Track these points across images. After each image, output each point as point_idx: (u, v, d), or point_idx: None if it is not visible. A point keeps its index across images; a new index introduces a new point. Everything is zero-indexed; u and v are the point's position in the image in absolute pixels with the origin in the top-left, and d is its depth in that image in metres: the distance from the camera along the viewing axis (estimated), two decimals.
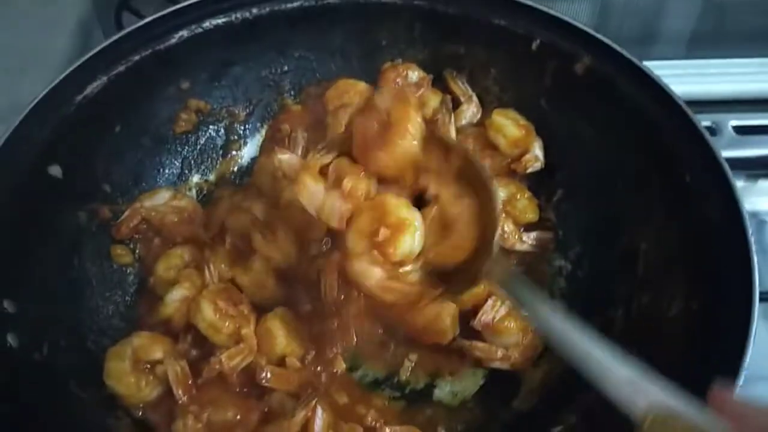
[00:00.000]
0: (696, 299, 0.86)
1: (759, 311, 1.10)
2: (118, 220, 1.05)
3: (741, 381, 0.75)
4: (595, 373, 0.65)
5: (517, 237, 1.08)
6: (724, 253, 0.84)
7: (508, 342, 1.00)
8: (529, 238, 1.09)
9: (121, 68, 1.03)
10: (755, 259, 0.81)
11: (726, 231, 0.85)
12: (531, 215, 1.10)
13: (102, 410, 0.93)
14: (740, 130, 1.33)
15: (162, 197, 1.08)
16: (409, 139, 0.81)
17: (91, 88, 1.00)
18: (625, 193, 1.01)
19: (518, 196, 1.09)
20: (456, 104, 1.15)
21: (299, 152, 1.11)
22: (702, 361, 0.81)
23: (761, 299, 1.10)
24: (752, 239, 0.82)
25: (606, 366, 0.65)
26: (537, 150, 1.10)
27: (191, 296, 0.97)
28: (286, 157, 1.06)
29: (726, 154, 1.26)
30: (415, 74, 1.15)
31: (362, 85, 1.16)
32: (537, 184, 1.12)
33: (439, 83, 1.17)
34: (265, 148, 1.19)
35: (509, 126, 1.10)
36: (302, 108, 1.19)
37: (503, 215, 1.00)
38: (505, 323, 1.00)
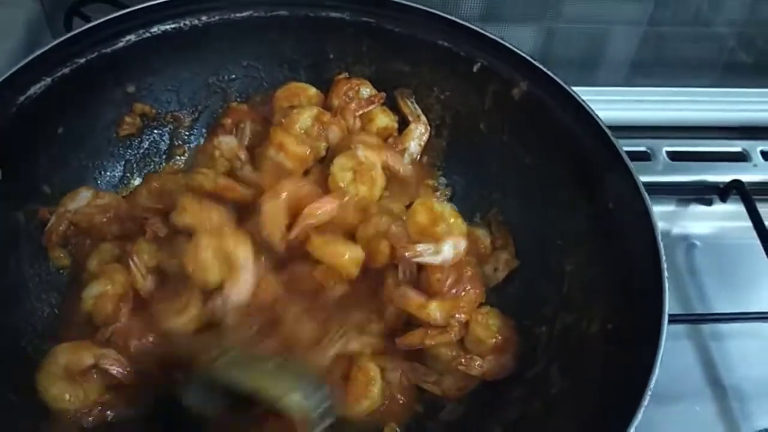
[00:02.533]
0: (612, 321, 0.90)
1: (684, 332, 1.19)
2: (46, 228, 1.04)
3: (647, 400, 0.78)
4: None
5: None
6: (640, 277, 0.88)
7: (442, 368, 1.01)
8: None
9: (66, 70, 1.03)
10: (666, 284, 0.85)
11: (642, 257, 0.89)
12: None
13: (38, 415, 0.93)
14: (673, 156, 1.39)
15: (84, 197, 1.06)
16: None
17: (35, 89, 1.00)
18: (555, 216, 1.05)
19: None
20: (404, 123, 1.18)
21: (245, 141, 1.13)
22: (616, 380, 0.85)
23: (685, 321, 1.18)
24: (665, 266, 0.86)
25: None
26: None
27: (111, 292, 0.97)
28: (227, 139, 1.10)
29: (659, 178, 1.35)
30: (367, 91, 1.18)
31: (312, 90, 1.18)
32: (474, 200, 1.16)
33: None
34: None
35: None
36: (248, 106, 1.20)
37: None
38: (441, 350, 1.00)
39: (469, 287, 0.99)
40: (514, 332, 1.01)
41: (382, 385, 0.98)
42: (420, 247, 0.96)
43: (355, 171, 1.06)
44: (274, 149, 1.06)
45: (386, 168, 1.09)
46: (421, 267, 0.99)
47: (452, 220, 0.99)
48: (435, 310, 0.97)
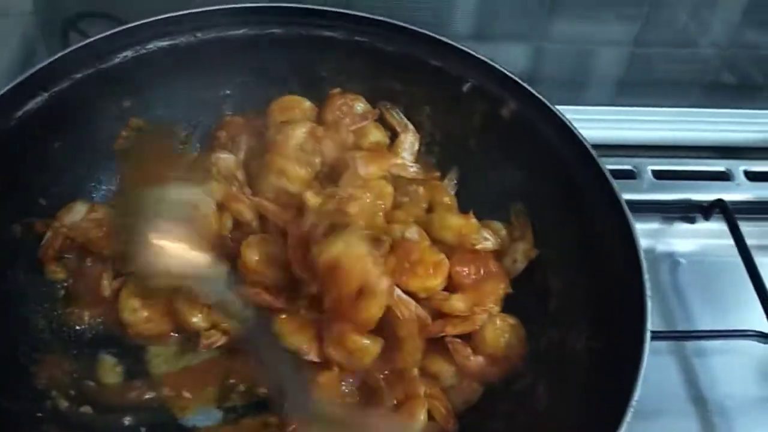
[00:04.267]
0: (597, 338, 0.93)
1: (667, 349, 1.21)
2: (41, 243, 1.05)
3: (629, 416, 0.80)
4: None
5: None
6: (623, 296, 0.91)
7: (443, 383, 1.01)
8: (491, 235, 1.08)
9: (64, 85, 1.04)
10: (649, 303, 0.87)
11: (626, 277, 0.91)
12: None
13: (28, 424, 0.94)
14: (658, 175, 1.42)
15: (78, 212, 1.06)
16: None
17: (32, 104, 1.02)
18: (543, 234, 1.07)
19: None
20: (394, 135, 1.20)
21: (241, 156, 1.14)
22: (600, 397, 0.87)
23: (668, 338, 1.20)
24: (648, 284, 0.89)
25: None
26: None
27: None
28: (224, 156, 1.11)
29: (644, 196, 1.37)
30: (361, 106, 1.19)
31: (307, 104, 1.19)
32: None
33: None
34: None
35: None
36: (243, 119, 1.21)
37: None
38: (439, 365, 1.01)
39: (491, 280, 1.01)
40: (521, 347, 1.02)
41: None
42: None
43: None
44: (275, 176, 1.08)
45: (390, 175, 1.12)
46: None
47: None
48: (458, 301, 0.99)
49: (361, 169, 1.09)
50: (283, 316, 0.98)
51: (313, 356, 0.96)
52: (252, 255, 1.01)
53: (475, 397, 1.01)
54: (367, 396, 0.98)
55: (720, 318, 1.24)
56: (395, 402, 0.97)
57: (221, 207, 1.07)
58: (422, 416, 0.95)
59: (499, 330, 1.01)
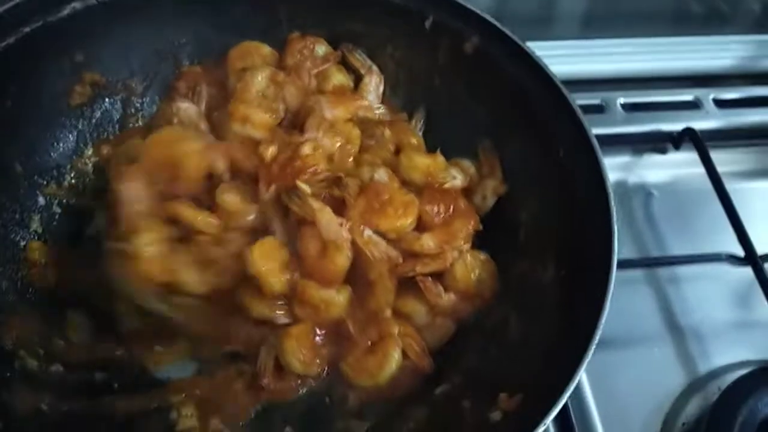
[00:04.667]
0: (564, 267, 0.93)
1: (641, 278, 1.21)
2: None
3: (595, 342, 0.80)
4: None
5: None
6: (590, 224, 0.90)
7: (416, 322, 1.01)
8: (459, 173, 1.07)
9: (11, 40, 1.01)
10: (615, 226, 0.87)
11: (593, 203, 0.90)
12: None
13: None
14: (628, 108, 1.41)
15: None
16: None
17: None
18: (509, 167, 1.07)
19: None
20: (358, 78, 1.18)
21: (202, 107, 1.12)
22: (570, 325, 0.87)
23: (641, 265, 1.20)
24: (614, 211, 0.88)
25: None
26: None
27: None
28: (185, 105, 1.08)
29: (615, 130, 1.37)
30: (322, 48, 1.17)
31: (266, 49, 1.16)
32: None
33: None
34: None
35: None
36: (202, 68, 1.18)
37: None
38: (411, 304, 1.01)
39: (461, 217, 1.01)
40: (492, 282, 1.02)
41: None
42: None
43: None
44: (239, 123, 1.05)
45: (357, 118, 1.10)
46: None
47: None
48: (428, 240, 0.99)
49: (326, 113, 1.07)
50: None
51: (284, 319, 0.96)
52: (228, 197, 0.98)
53: (448, 335, 1.01)
54: (340, 342, 0.98)
55: (693, 245, 1.24)
56: (369, 343, 0.97)
57: None
58: (396, 355, 0.96)
59: (469, 266, 1.00)
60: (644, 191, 1.35)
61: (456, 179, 1.05)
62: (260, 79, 1.10)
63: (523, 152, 1.04)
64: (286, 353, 0.95)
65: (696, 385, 1.11)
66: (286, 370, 0.96)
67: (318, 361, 0.97)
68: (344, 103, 1.11)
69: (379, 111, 1.14)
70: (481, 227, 1.03)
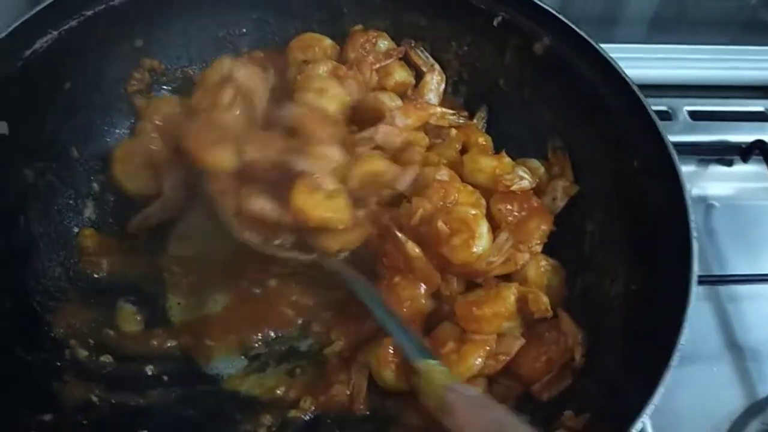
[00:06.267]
0: (635, 281, 0.89)
1: (701, 294, 1.17)
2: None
3: (676, 361, 0.77)
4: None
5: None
6: (666, 237, 0.86)
7: None
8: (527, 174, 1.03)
9: (73, 23, 1.00)
10: (695, 245, 0.83)
11: (669, 216, 0.87)
12: None
13: (47, 375, 0.91)
14: (694, 116, 1.37)
15: None
16: None
17: (41, 43, 0.97)
18: (577, 174, 1.03)
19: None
20: (419, 75, 1.15)
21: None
22: (638, 341, 0.84)
23: (703, 282, 1.16)
24: (693, 225, 0.84)
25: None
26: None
27: None
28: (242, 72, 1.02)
29: (679, 138, 1.32)
30: (384, 43, 1.14)
31: (328, 42, 1.15)
32: None
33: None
34: None
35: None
36: (264, 55, 1.16)
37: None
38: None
39: (535, 217, 0.98)
40: (561, 288, 0.99)
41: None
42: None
43: None
44: (314, 94, 1.02)
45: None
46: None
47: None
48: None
49: (399, 121, 1.04)
50: None
51: None
52: None
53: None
54: None
55: (755, 263, 1.20)
56: None
57: None
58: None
59: (542, 269, 0.97)
60: (706, 203, 1.30)
61: (524, 180, 1.01)
62: (322, 72, 1.08)
63: (593, 158, 1.01)
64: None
65: (755, 408, 1.07)
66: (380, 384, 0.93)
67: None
68: (416, 112, 1.07)
69: (452, 117, 1.11)
70: (554, 228, 1.00)
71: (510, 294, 0.92)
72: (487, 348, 0.90)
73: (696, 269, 0.81)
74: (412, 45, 1.15)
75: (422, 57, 1.15)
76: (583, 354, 0.90)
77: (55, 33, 0.98)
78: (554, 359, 0.90)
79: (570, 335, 0.90)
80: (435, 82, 1.15)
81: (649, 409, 0.73)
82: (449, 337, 0.93)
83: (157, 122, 1.07)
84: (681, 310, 0.79)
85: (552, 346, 0.91)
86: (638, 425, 0.72)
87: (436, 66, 1.15)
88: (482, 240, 0.93)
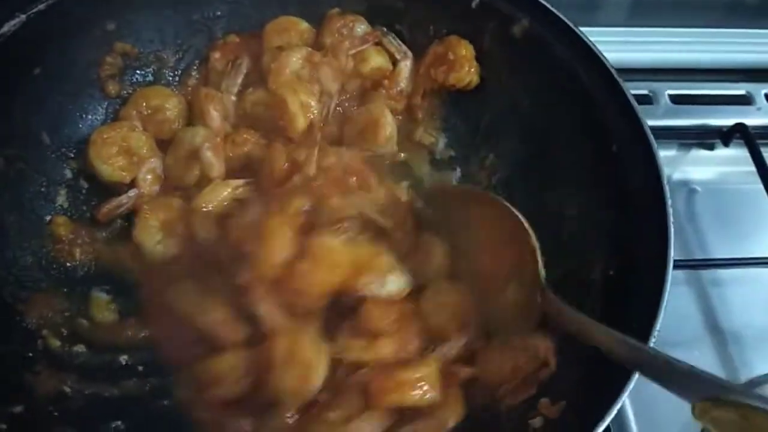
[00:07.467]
0: (614, 267, 0.88)
1: (683, 278, 1.17)
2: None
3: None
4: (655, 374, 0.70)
5: None
6: (644, 222, 0.86)
7: None
8: None
9: (42, 6, 0.97)
10: (672, 229, 0.83)
11: (647, 201, 0.86)
12: None
13: (19, 366, 0.90)
14: (675, 99, 1.36)
15: None
16: None
17: (8, 27, 0.95)
18: (555, 160, 1.02)
19: None
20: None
21: (238, 81, 1.09)
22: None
23: (685, 266, 1.16)
24: (671, 210, 0.84)
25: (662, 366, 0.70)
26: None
27: None
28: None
29: (661, 122, 1.32)
30: (362, 27, 1.12)
31: (304, 25, 1.13)
32: (469, 147, 1.12)
33: None
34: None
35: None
36: (239, 39, 1.14)
37: None
38: None
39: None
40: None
41: None
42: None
43: None
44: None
45: None
46: None
47: None
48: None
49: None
50: None
51: None
52: None
53: None
54: None
55: (737, 247, 1.20)
56: None
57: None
58: None
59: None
60: (688, 188, 1.30)
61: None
62: (296, 60, 1.07)
63: (572, 142, 0.99)
64: None
65: None
66: None
67: None
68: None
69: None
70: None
71: None
72: None
73: (672, 254, 0.81)
74: (385, 32, 1.13)
75: (394, 44, 1.14)
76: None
77: (23, 16, 0.96)
78: (521, 366, 0.87)
79: (541, 348, 0.86)
80: (408, 69, 1.13)
81: (626, 394, 0.73)
82: None
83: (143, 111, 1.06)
84: (657, 295, 0.79)
85: (519, 353, 0.87)
86: (615, 410, 0.72)
87: (410, 54, 1.14)
88: None
